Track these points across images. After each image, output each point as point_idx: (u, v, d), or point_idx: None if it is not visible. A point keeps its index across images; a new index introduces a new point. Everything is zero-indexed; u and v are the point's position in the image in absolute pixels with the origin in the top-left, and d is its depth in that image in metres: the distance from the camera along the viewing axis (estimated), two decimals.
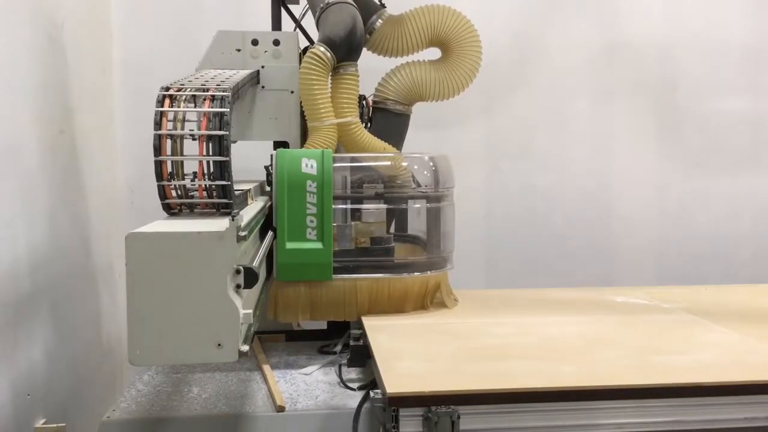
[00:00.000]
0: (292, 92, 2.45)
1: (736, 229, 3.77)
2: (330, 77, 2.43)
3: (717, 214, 3.75)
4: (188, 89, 1.65)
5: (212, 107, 1.59)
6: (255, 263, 1.61)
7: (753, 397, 1.65)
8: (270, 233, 2.12)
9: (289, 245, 2.14)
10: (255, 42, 2.43)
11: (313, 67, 2.33)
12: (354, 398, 1.84)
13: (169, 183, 1.58)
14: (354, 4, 2.45)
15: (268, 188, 2.32)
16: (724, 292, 2.77)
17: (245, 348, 1.42)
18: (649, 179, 3.71)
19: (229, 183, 1.59)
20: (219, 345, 1.37)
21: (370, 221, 2.28)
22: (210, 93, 1.63)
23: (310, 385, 1.99)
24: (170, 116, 1.58)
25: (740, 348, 1.96)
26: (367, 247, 2.27)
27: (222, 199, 1.60)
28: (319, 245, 2.15)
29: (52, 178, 2.38)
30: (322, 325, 2.45)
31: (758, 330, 2.11)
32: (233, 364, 2.14)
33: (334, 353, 2.27)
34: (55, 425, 2.13)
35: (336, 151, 2.40)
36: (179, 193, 1.60)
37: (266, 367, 2.11)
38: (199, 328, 1.36)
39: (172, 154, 1.57)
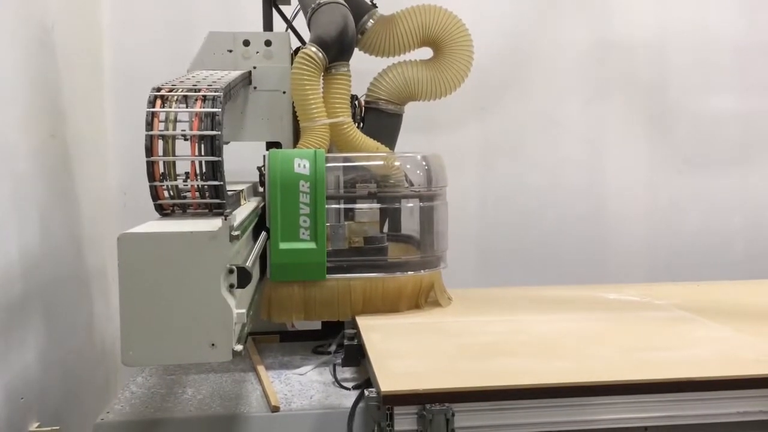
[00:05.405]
0: (284, 93, 2.45)
1: (727, 226, 3.78)
2: (322, 77, 2.43)
3: (708, 211, 3.76)
4: (180, 90, 1.64)
5: (204, 107, 1.59)
6: (248, 263, 1.61)
7: (745, 392, 1.66)
8: (263, 234, 2.12)
9: (283, 245, 2.14)
10: (246, 43, 2.43)
11: (304, 67, 2.33)
12: (349, 397, 1.85)
13: (162, 184, 1.58)
14: (345, 4, 2.46)
15: (261, 189, 2.32)
16: (716, 288, 2.78)
17: (239, 347, 1.41)
18: (641, 177, 3.72)
19: (222, 183, 1.59)
20: (212, 345, 1.37)
21: (363, 221, 2.28)
22: (202, 93, 1.63)
23: (305, 385, 1.99)
24: (162, 117, 1.58)
25: (732, 343, 1.97)
26: (361, 246, 2.27)
27: (214, 199, 1.60)
28: (312, 245, 2.15)
29: (44, 181, 2.37)
30: (317, 325, 2.45)
31: (750, 326, 2.13)
32: (227, 364, 2.14)
33: (329, 353, 2.26)
34: (49, 428, 2.12)
35: (329, 151, 2.41)
36: (171, 193, 1.60)
37: (261, 368, 2.10)
38: (193, 327, 1.36)
39: (164, 155, 1.57)
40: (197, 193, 1.60)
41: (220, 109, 1.59)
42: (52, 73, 2.51)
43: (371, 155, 2.44)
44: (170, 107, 1.59)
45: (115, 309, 1.38)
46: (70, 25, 2.73)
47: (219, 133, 1.57)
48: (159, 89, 1.64)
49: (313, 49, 2.34)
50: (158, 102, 1.60)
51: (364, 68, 2.64)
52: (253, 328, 2.31)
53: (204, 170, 1.58)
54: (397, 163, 2.38)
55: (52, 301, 2.37)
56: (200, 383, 2.02)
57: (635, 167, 3.71)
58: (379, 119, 2.62)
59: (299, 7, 2.60)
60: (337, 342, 2.28)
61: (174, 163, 1.58)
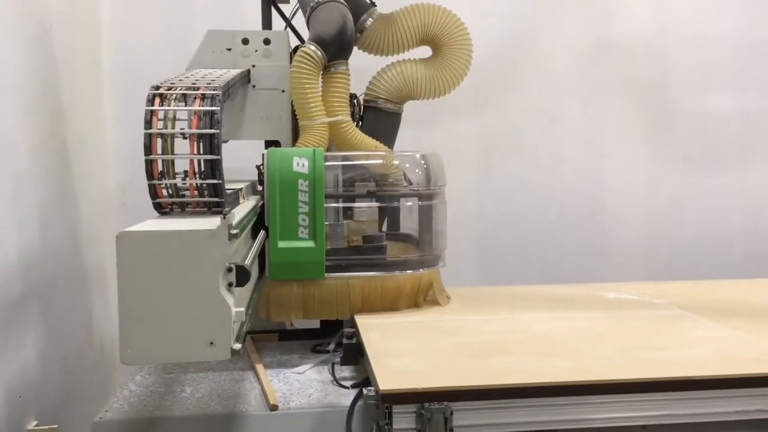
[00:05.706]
0: (283, 91, 2.45)
1: (726, 225, 3.78)
2: (321, 76, 2.43)
3: (707, 210, 3.77)
4: (179, 88, 1.64)
5: (203, 106, 1.59)
6: (247, 261, 1.61)
7: (743, 391, 1.66)
8: (262, 232, 2.12)
9: (282, 244, 2.14)
10: (245, 41, 2.43)
11: (303, 65, 2.33)
12: (347, 396, 1.84)
13: (160, 182, 1.58)
14: (344, 2, 2.46)
15: (260, 187, 2.32)
16: (716, 287, 2.78)
17: (238, 346, 1.41)
18: (640, 176, 3.72)
19: (221, 182, 1.59)
20: (211, 343, 1.37)
21: (362, 220, 2.28)
22: (200, 91, 1.63)
23: (304, 383, 1.99)
24: (161, 115, 1.58)
25: (731, 342, 1.97)
26: (360, 245, 2.27)
27: (213, 197, 1.60)
28: (311, 244, 2.15)
29: (43, 180, 2.37)
30: (315, 324, 2.45)
31: (748, 325, 2.13)
32: (226, 363, 2.13)
33: (327, 352, 2.26)
34: (47, 427, 2.12)
35: (328, 150, 2.40)
36: (170, 192, 1.60)
37: (259, 367, 2.10)
38: (191, 326, 1.36)
39: (163, 153, 1.57)
40: (196, 192, 1.60)
41: (218, 108, 1.59)
42: (51, 72, 2.51)
43: (370, 154, 2.44)
44: (169, 105, 1.59)
45: (114, 308, 1.37)
46: (69, 24, 2.73)
47: (218, 131, 1.56)
48: (158, 87, 1.64)
49: (312, 47, 2.34)
50: (157, 100, 1.60)
51: (363, 67, 2.64)
52: (252, 327, 2.31)
53: (203, 169, 1.58)
54: (395, 162, 2.37)
55: (51, 300, 2.37)
56: (199, 382, 2.02)
57: (635, 167, 3.71)
58: (378, 118, 2.62)
59: (298, 5, 2.60)
60: (336, 341, 2.28)
61: (173, 161, 1.57)
